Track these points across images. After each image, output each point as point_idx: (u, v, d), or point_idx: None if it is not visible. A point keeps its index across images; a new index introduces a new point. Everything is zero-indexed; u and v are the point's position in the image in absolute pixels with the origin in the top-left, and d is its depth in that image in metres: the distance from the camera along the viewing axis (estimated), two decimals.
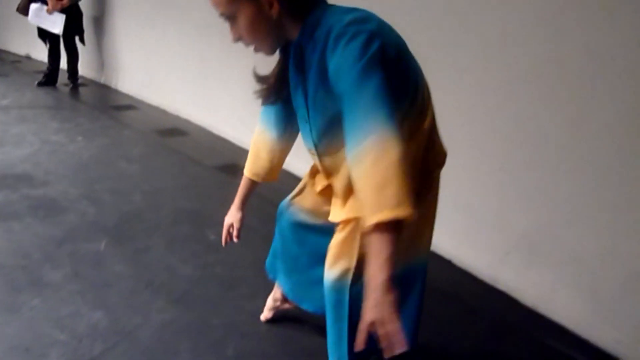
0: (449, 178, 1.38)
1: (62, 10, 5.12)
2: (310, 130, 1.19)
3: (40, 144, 3.62)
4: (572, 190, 1.93)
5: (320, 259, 1.38)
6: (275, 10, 1.06)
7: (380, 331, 0.88)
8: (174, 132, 4.16)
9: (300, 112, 1.21)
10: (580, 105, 1.86)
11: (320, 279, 1.36)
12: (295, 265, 1.60)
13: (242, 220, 1.59)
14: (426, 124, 1.17)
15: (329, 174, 1.27)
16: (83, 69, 5.69)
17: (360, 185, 0.92)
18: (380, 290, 0.88)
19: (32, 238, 2.34)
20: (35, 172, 3.10)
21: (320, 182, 1.40)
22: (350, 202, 1.23)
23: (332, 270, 1.28)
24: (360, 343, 0.90)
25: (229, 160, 3.55)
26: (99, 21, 5.68)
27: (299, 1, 1.08)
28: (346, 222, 1.27)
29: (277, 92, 1.27)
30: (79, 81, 5.59)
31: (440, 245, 2.34)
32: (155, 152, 3.66)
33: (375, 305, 0.88)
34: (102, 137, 3.90)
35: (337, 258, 1.28)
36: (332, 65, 0.99)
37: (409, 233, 1.21)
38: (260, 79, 1.27)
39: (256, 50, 1.15)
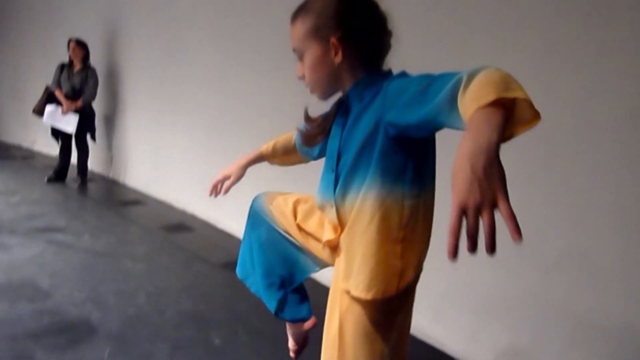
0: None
1: (76, 110, 5.39)
2: (335, 180, 1.20)
3: (46, 244, 3.66)
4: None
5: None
6: (338, 58, 1.15)
7: (485, 217, 0.66)
8: (179, 227, 4.22)
9: (330, 162, 1.24)
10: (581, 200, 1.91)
11: None
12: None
13: (239, 179, 1.67)
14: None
15: (343, 227, 1.22)
16: (92, 164, 5.87)
17: (475, 87, 0.79)
18: (487, 157, 0.68)
19: (35, 348, 2.30)
20: (41, 274, 3.11)
21: (327, 235, 1.29)
22: (355, 270, 1.16)
23: None
24: (453, 238, 0.67)
25: (234, 256, 3.51)
26: (110, 119, 5.95)
27: (360, 57, 1.17)
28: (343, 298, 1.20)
29: (314, 138, 1.34)
30: (88, 176, 5.75)
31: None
32: (160, 250, 3.68)
33: (478, 180, 0.67)
34: (109, 234, 3.95)
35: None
36: (391, 90, 1.06)
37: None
38: (307, 118, 1.35)
39: (311, 91, 1.25)
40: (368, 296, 1.14)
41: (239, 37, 3.94)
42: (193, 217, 4.48)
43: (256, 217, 1.64)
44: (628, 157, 1.84)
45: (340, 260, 1.23)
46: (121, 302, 2.80)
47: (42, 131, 6.35)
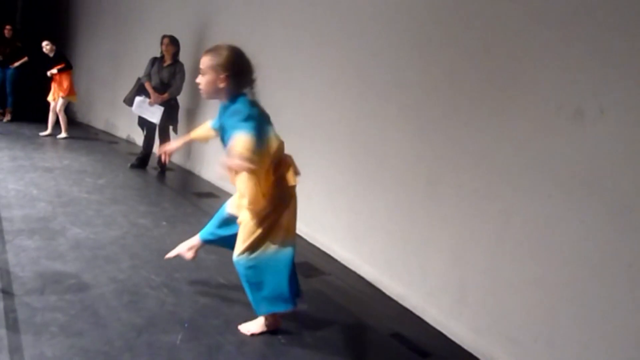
0: None
1: (162, 103, 5.69)
2: (224, 143, 2.33)
3: (128, 226, 3.88)
4: None
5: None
6: (222, 85, 2.29)
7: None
8: None
9: (221, 134, 2.40)
10: None
11: None
12: None
13: (177, 151, 3.03)
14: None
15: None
16: None
17: None
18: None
19: (115, 324, 2.45)
20: (122, 255, 3.31)
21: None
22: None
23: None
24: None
25: (302, 258, 3.61)
26: (192, 113, 6.22)
27: (233, 87, 2.30)
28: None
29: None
30: (167, 166, 6.04)
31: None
32: None
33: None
34: (184, 224, 4.12)
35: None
36: (229, 122, 2.24)
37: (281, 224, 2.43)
38: None
39: (202, 95, 2.38)
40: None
41: (319, 48, 4.00)
42: None
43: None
44: None
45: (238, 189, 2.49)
46: (194, 291, 2.92)
47: (129, 119, 6.74)
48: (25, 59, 8.41)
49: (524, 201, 2.43)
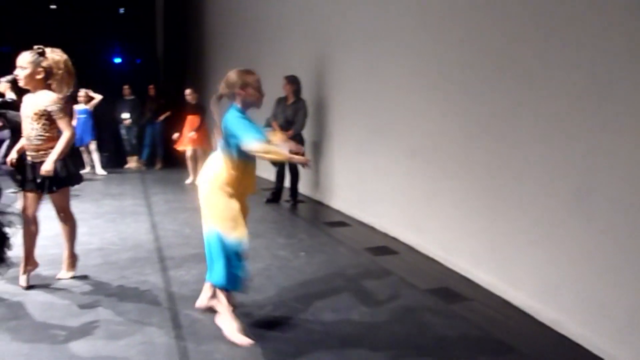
0: None
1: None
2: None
3: (270, 258, 4.13)
4: None
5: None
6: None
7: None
8: (384, 250, 4.36)
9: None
10: None
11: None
12: None
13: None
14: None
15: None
16: (301, 187, 6.46)
17: None
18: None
19: (271, 353, 2.61)
20: (269, 285, 3.52)
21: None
22: None
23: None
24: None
25: (441, 283, 3.54)
26: (318, 145, 6.49)
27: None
28: None
29: None
30: (298, 198, 6.34)
31: None
32: (368, 271, 3.85)
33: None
34: (321, 253, 4.28)
35: None
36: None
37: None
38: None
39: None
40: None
41: (434, 74, 3.98)
42: (395, 241, 4.59)
43: None
44: None
45: None
46: (339, 320, 3.00)
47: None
48: (169, 113, 9.48)
49: None
